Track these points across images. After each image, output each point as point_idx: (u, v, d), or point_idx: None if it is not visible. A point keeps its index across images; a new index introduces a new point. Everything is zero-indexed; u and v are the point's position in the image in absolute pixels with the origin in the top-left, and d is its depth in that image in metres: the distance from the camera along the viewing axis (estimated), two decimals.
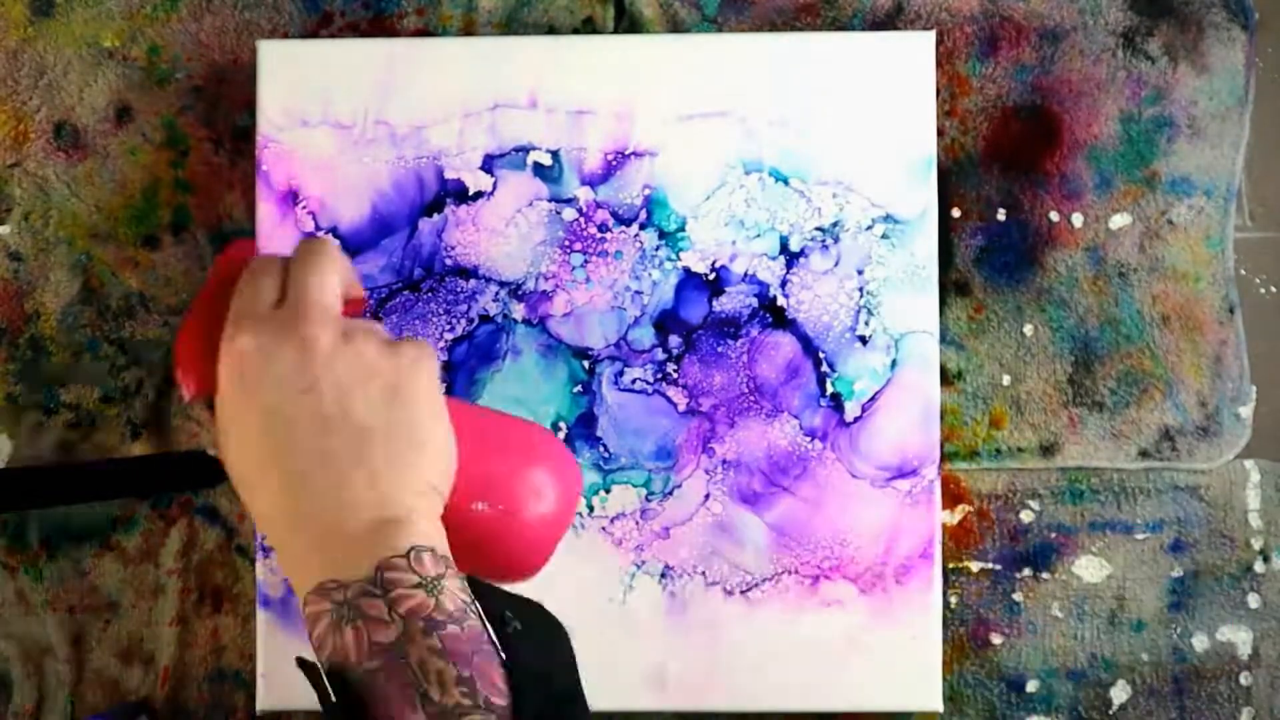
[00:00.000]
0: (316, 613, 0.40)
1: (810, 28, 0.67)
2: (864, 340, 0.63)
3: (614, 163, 0.63)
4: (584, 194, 0.63)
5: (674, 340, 0.63)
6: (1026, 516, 0.66)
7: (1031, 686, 0.66)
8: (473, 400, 0.63)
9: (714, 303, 0.63)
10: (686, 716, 0.64)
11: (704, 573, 0.63)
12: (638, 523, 0.63)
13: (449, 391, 0.63)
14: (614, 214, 0.63)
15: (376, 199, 0.63)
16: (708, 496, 0.63)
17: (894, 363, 0.63)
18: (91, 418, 0.67)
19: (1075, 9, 0.66)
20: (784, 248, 0.63)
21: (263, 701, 0.63)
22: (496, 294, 0.63)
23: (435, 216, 0.63)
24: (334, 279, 0.46)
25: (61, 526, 0.67)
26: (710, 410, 0.63)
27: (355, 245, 0.63)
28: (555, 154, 0.63)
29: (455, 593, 0.41)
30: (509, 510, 0.50)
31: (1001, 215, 0.66)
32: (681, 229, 0.63)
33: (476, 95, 0.63)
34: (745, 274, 0.63)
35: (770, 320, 0.63)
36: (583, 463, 0.63)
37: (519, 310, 0.63)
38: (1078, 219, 0.66)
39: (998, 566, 0.66)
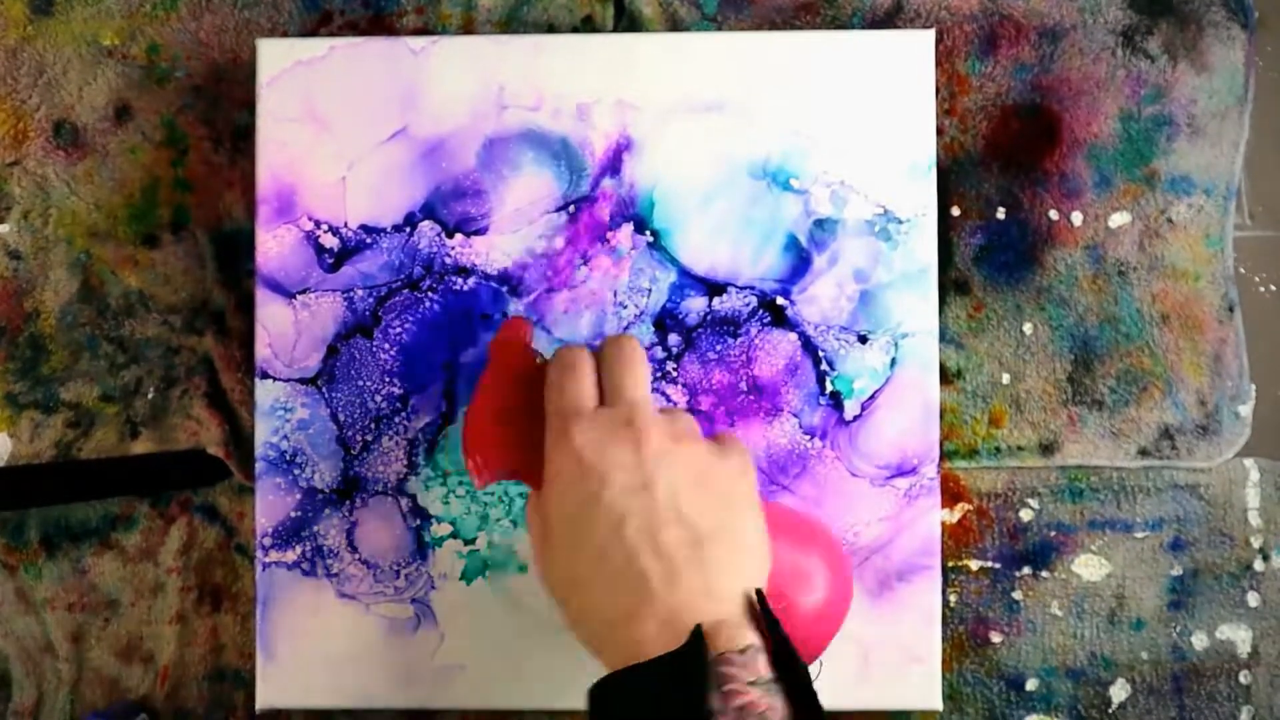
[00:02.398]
0: None
1: (810, 26, 0.67)
2: (864, 339, 0.63)
3: (614, 161, 0.63)
4: (584, 193, 0.63)
5: (674, 339, 0.63)
6: (1026, 515, 0.66)
7: (1031, 685, 0.66)
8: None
9: (713, 301, 0.63)
10: None
11: None
12: None
13: (449, 392, 0.63)
14: (613, 213, 0.63)
15: (376, 197, 0.63)
16: None
17: (893, 361, 0.63)
18: (91, 417, 0.67)
19: (1075, 8, 0.66)
20: (783, 247, 0.63)
21: (262, 701, 0.63)
22: (496, 293, 0.63)
23: (435, 215, 0.63)
24: (648, 376, 0.50)
25: (61, 526, 0.67)
26: (710, 409, 0.63)
27: (355, 244, 0.63)
28: (555, 153, 0.63)
29: (782, 698, 0.41)
30: (789, 602, 0.52)
31: (1001, 214, 0.66)
32: (681, 228, 0.63)
33: (476, 94, 0.63)
34: (744, 273, 0.63)
35: (770, 319, 0.63)
36: None
37: (519, 309, 0.63)
38: (1077, 218, 0.66)
39: (997, 565, 0.66)
